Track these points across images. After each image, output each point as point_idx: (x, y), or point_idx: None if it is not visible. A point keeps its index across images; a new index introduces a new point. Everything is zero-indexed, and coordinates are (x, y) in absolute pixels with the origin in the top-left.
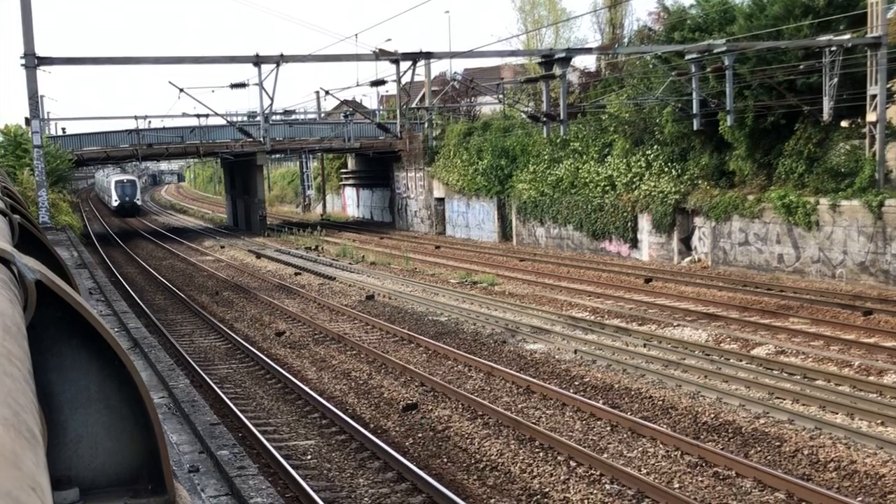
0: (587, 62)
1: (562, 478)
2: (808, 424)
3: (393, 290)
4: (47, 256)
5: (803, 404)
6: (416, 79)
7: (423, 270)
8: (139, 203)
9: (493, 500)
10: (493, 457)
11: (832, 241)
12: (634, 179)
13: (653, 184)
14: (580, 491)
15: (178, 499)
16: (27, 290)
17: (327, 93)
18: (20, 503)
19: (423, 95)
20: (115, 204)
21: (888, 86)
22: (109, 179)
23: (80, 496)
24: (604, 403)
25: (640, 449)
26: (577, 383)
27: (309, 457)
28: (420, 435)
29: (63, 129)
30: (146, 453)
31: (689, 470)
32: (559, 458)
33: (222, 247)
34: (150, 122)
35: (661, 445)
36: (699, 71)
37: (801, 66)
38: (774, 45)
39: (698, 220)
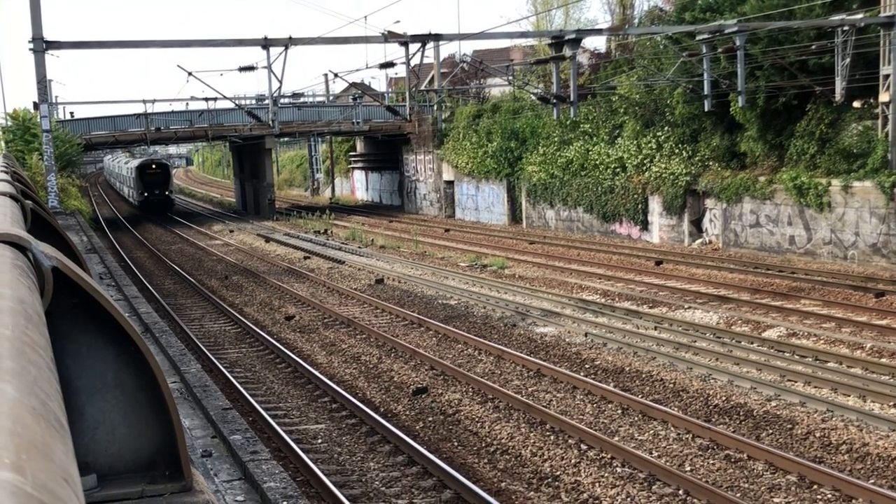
0: (597, 43)
1: (573, 461)
2: (820, 407)
3: (402, 273)
4: (59, 241)
5: (815, 386)
6: (426, 61)
7: (433, 254)
8: (173, 197)
9: (503, 484)
10: (503, 440)
11: (844, 222)
12: (645, 161)
13: (663, 165)
14: (591, 474)
15: (195, 484)
16: (44, 276)
17: (336, 75)
18: (56, 496)
19: (433, 77)
20: (138, 198)
21: None
22: (129, 165)
23: (97, 482)
24: (615, 386)
25: (652, 432)
26: (587, 366)
27: (319, 441)
28: (430, 419)
29: (71, 113)
30: (163, 439)
31: (700, 453)
32: (570, 441)
33: (231, 231)
34: (169, 105)
35: (672, 428)
36: (710, 52)
37: (814, 46)
38: (786, 25)
39: (709, 202)
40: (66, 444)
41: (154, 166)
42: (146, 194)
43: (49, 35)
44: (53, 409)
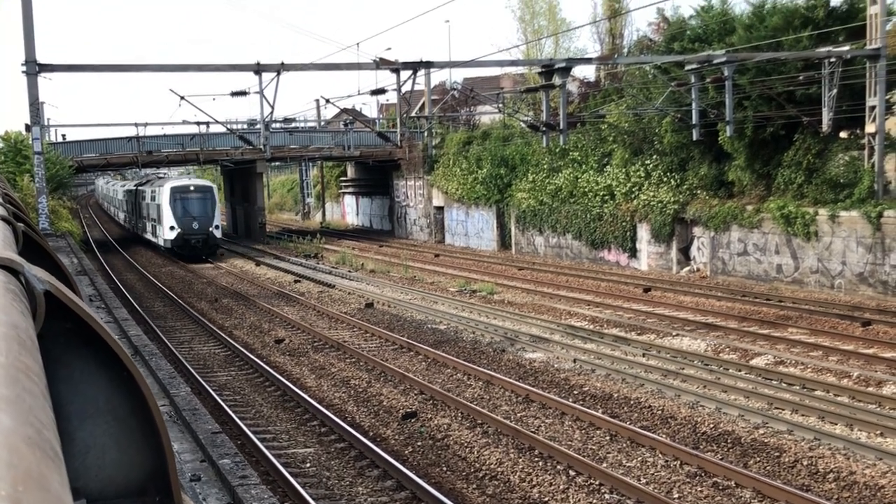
0: (587, 72)
1: (561, 487)
2: (807, 435)
3: (392, 298)
4: (50, 264)
5: (802, 415)
6: (416, 88)
7: (423, 278)
8: (218, 234)
9: None
10: (492, 466)
11: (831, 251)
12: (633, 189)
13: (652, 193)
14: (580, 500)
15: None
16: (36, 300)
17: (328, 101)
18: None
19: (423, 104)
20: (168, 236)
21: (887, 97)
22: (154, 191)
23: None
24: (603, 413)
25: (640, 458)
26: (576, 392)
27: (308, 465)
28: (419, 443)
29: (63, 135)
30: (154, 465)
31: (688, 480)
32: (559, 467)
33: (221, 254)
34: (161, 128)
35: (660, 455)
36: (699, 81)
37: (801, 77)
38: (774, 56)
39: (697, 230)
40: (62, 474)
41: (193, 188)
42: (179, 230)
43: (42, 58)
44: (49, 439)
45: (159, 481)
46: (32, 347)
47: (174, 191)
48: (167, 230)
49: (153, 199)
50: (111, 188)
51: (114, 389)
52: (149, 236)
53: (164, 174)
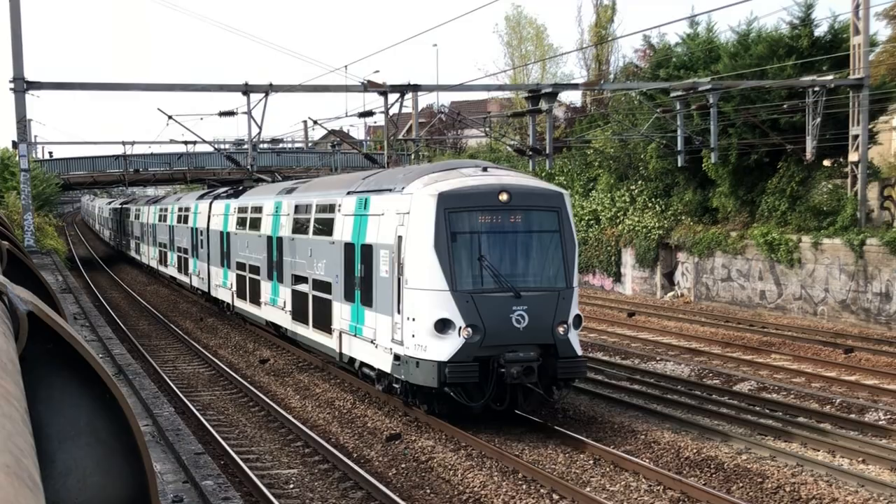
0: (573, 97)
1: None
2: (789, 461)
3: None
4: (35, 283)
5: (785, 441)
6: (404, 111)
7: None
8: (576, 343)
9: None
10: (476, 488)
11: (814, 278)
12: (618, 214)
13: (637, 219)
14: None
15: None
16: (19, 321)
17: (315, 122)
18: None
19: (410, 127)
20: (436, 351)
21: (870, 126)
22: (366, 201)
23: None
24: (587, 436)
25: (623, 483)
26: (560, 416)
27: (291, 486)
28: (403, 465)
29: (50, 152)
30: (135, 487)
31: None
32: (542, 490)
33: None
34: (149, 147)
35: (643, 480)
36: (684, 108)
37: (785, 106)
38: (758, 84)
39: (681, 256)
40: (40, 503)
41: (510, 198)
42: (471, 331)
43: (30, 75)
44: (27, 467)
45: None
46: (13, 371)
47: (449, 203)
48: (428, 332)
49: (363, 235)
50: (107, 208)
51: (95, 411)
52: (318, 340)
53: (133, 193)
